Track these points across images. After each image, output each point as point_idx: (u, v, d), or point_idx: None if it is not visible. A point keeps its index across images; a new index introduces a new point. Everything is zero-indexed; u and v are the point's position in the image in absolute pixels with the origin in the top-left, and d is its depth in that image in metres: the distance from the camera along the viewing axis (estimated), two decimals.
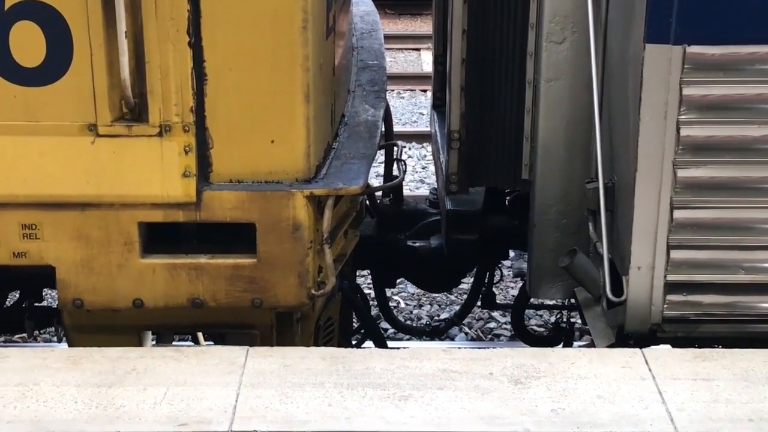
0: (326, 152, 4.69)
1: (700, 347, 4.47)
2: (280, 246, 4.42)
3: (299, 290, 4.48)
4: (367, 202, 6.32)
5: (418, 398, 3.91)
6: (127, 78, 4.19)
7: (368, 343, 6.90)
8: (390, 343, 7.19)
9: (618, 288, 4.64)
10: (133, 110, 4.30)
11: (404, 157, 10.82)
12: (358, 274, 7.24)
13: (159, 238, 4.52)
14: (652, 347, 4.50)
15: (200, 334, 5.66)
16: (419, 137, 11.27)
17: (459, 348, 4.58)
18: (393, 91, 13.33)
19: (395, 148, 6.19)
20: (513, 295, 7.71)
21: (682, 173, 4.47)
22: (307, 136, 4.38)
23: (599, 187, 4.70)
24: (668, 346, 4.71)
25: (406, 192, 9.89)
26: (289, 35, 4.25)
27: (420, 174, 10.48)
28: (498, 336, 7.49)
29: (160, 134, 4.31)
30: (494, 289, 6.83)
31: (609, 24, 4.84)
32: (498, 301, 6.99)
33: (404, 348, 4.32)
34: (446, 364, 4.14)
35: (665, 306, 4.62)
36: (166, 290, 4.48)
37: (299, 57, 4.28)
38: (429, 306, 7.85)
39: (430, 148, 10.55)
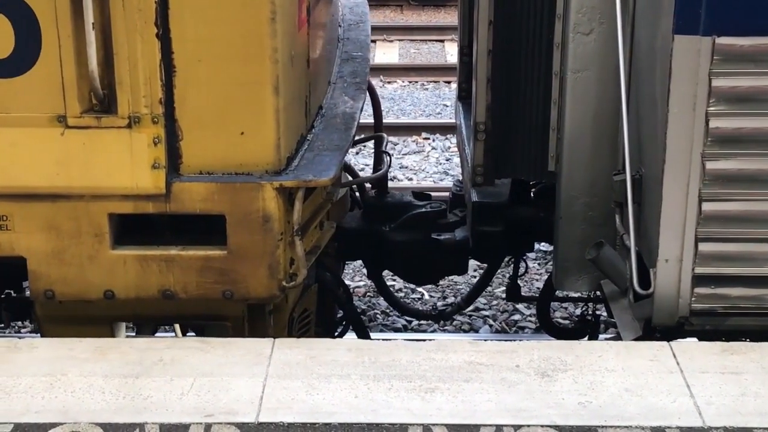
0: (299, 144, 4.68)
1: (727, 340, 4.44)
2: (251, 238, 4.41)
3: (270, 282, 4.47)
4: (357, 194, 6.31)
5: (444, 390, 3.90)
6: (95, 69, 4.19)
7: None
8: (412, 335, 7.21)
9: (645, 280, 4.62)
10: (102, 102, 4.31)
11: (428, 148, 10.88)
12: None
13: (135, 229, 4.52)
14: (679, 340, 4.48)
15: (177, 326, 5.65)
16: (443, 129, 11.26)
17: (485, 340, 4.57)
18: (417, 82, 13.31)
19: (382, 141, 6.20)
20: (538, 288, 7.69)
21: (710, 165, 4.44)
22: (277, 128, 4.37)
23: (626, 179, 4.67)
24: (696, 339, 4.69)
25: (429, 184, 9.97)
26: (257, 27, 4.25)
27: (444, 166, 10.47)
28: (522, 329, 7.47)
29: (129, 126, 4.31)
30: (519, 282, 6.81)
31: (637, 15, 4.81)
32: (523, 294, 6.97)
33: (430, 340, 4.31)
34: (472, 357, 4.13)
35: (693, 299, 4.59)
36: (137, 282, 4.49)
37: (268, 49, 4.27)
38: (453, 298, 7.83)
39: (454, 140, 10.53)
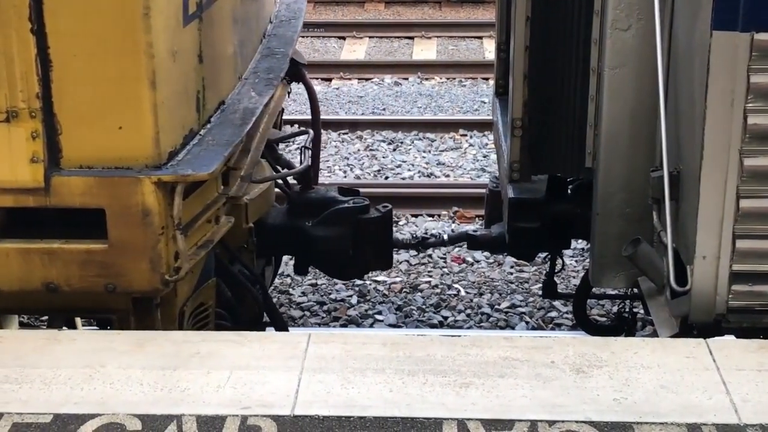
0: (188, 138, 4.71)
1: (765, 338, 4.42)
2: (131, 232, 4.44)
3: (152, 276, 4.49)
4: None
5: (479, 385, 3.91)
6: None
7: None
8: (447, 331, 7.21)
9: (682, 278, 4.60)
10: None
11: (465, 145, 10.88)
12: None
13: (26, 223, 4.56)
14: (716, 337, 4.46)
15: (78, 320, 5.66)
16: (481, 125, 11.24)
17: (520, 336, 4.56)
18: (455, 79, 13.29)
19: (306, 137, 6.32)
20: (574, 285, 7.67)
21: (748, 162, 4.41)
22: (155, 123, 4.40)
23: (664, 176, 4.65)
24: (733, 337, 4.66)
25: (466, 180, 9.96)
26: (130, 22, 4.29)
27: (481, 162, 10.46)
28: (559, 325, 7.45)
29: (7, 120, 4.34)
30: (555, 279, 6.79)
31: (675, 11, 4.78)
32: (559, 291, 6.96)
33: (465, 336, 4.32)
34: (507, 352, 4.13)
35: (730, 296, 4.57)
36: (20, 274, 4.52)
37: (142, 44, 4.31)
38: (489, 294, 7.83)
39: (491, 137, 10.52)
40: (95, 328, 5.09)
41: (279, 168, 6.40)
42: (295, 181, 6.42)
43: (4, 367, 4.01)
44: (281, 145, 7.63)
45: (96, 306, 4.75)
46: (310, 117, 7.19)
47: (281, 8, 6.86)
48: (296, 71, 6.71)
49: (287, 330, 6.14)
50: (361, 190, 9.36)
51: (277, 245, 6.25)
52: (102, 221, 4.45)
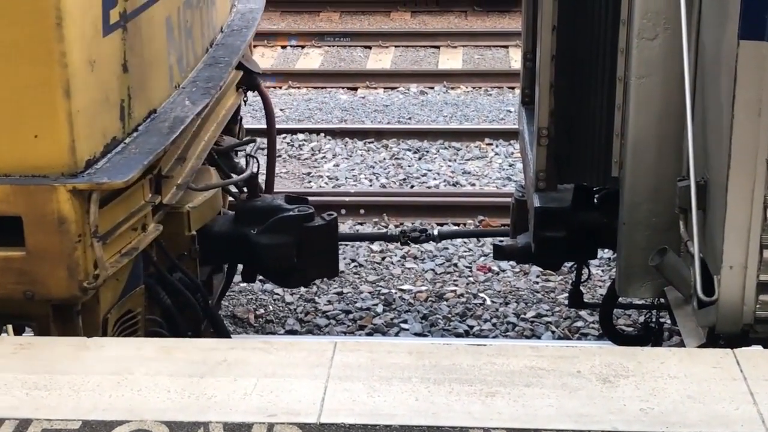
0: (111, 147, 4.74)
1: None
2: (48, 239, 4.47)
3: (70, 283, 4.52)
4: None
5: (505, 394, 3.91)
6: None
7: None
8: (473, 341, 7.21)
9: (709, 287, 4.58)
10: None
11: (491, 154, 10.88)
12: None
13: None
14: (743, 348, 4.44)
15: (10, 327, 5.65)
16: (506, 134, 11.24)
17: (546, 346, 4.56)
18: (480, 88, 13.30)
19: (252, 145, 6.42)
20: (601, 294, 7.66)
21: None
22: (70, 131, 4.43)
23: (691, 185, 4.64)
24: (760, 347, 4.64)
25: (492, 189, 9.96)
26: (43, 32, 4.32)
27: (507, 171, 10.46)
28: (585, 335, 7.44)
29: None
30: (582, 288, 6.79)
31: (702, 20, 4.78)
32: (585, 300, 6.95)
33: (491, 345, 4.32)
34: (533, 362, 4.13)
35: (758, 306, 4.55)
36: None
37: (55, 53, 4.34)
38: (515, 304, 7.83)
39: (517, 146, 10.51)
40: (30, 334, 5.10)
41: (233, 176, 6.44)
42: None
43: (33, 374, 4.05)
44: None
45: (16, 313, 4.79)
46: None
47: (235, 18, 6.88)
48: (251, 80, 6.74)
49: (229, 334, 6.20)
50: (387, 198, 9.57)
51: (222, 253, 6.26)
52: (19, 229, 4.49)
